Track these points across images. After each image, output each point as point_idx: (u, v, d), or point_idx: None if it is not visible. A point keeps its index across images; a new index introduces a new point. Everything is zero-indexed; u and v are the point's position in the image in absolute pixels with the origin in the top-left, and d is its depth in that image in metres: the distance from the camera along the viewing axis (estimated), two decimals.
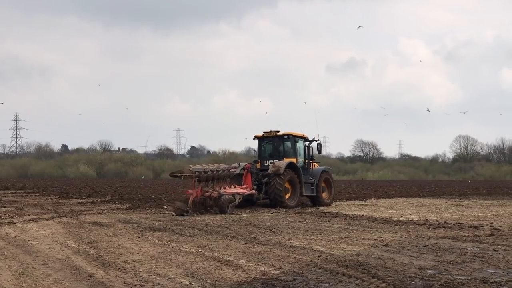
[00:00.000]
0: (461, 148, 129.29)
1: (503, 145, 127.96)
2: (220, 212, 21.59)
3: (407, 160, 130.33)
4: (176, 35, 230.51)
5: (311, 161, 28.50)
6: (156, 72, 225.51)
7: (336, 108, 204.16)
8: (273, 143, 28.18)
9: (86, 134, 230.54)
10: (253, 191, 25.17)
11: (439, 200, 32.04)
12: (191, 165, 23.25)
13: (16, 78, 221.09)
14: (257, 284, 8.74)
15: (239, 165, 26.14)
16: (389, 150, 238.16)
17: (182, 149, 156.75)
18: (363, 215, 20.94)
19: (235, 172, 25.25)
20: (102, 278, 9.27)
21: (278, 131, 27.76)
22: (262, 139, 28.39)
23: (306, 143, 28.52)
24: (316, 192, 27.56)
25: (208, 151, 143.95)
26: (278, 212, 22.77)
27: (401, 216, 20.50)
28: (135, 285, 8.77)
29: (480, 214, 21.50)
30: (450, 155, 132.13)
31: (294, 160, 26.83)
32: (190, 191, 22.17)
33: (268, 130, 28.06)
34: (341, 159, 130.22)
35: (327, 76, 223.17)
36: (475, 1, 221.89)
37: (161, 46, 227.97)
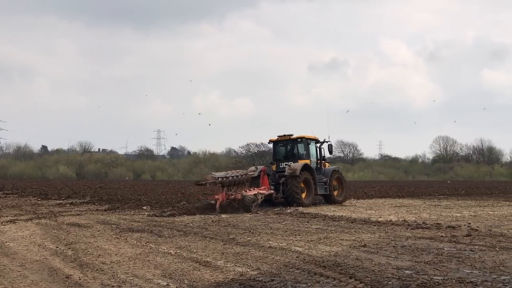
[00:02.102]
0: (440, 149, 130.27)
1: (482, 145, 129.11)
2: (246, 211, 23.10)
3: (387, 161, 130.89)
4: (157, 36, 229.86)
5: (322, 162, 30.27)
6: (136, 72, 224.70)
7: (317, 108, 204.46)
8: (287, 146, 29.94)
9: (66, 134, 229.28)
10: (272, 191, 26.80)
11: (418, 201, 32.18)
12: (213, 173, 25.48)
13: None
14: (235, 285, 8.75)
15: (256, 168, 27.80)
16: (370, 151, 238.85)
17: (162, 150, 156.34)
18: (342, 215, 21.01)
19: (253, 175, 26.53)
20: (80, 279, 9.24)
21: (291, 135, 29.51)
22: (277, 143, 30.20)
23: (318, 145, 30.20)
24: (329, 190, 29.16)
25: (189, 152, 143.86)
26: (257, 213, 22.81)
27: (380, 217, 20.57)
28: (113, 286, 8.75)
29: (458, 215, 21.63)
30: (430, 155, 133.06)
31: (307, 161, 28.45)
32: (216, 196, 23.84)
33: (282, 134, 29.80)
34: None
35: (309, 76, 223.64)
36: (456, 2, 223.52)
37: (142, 47, 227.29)
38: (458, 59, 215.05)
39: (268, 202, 26.49)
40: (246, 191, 24.88)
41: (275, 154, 30.32)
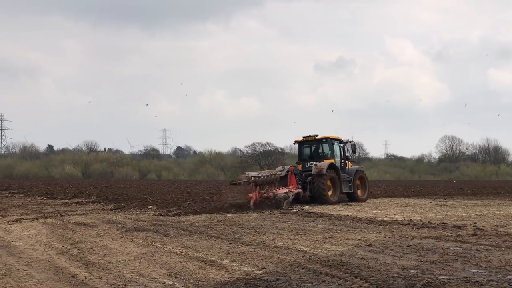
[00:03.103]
0: (446, 148, 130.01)
1: (488, 145, 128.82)
2: (277, 208, 24.34)
3: (393, 160, 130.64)
4: (163, 35, 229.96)
5: (346, 161, 31.29)
6: (142, 72, 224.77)
7: (323, 108, 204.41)
8: (312, 146, 30.98)
9: (72, 134, 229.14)
10: (299, 190, 27.89)
11: (424, 200, 32.13)
12: (246, 172, 27.04)
13: (1, 78, 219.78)
14: (240, 284, 8.76)
15: (284, 168, 28.75)
16: (375, 150, 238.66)
17: (168, 149, 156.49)
18: (347, 215, 20.98)
19: (281, 175, 27.47)
20: (86, 278, 9.26)
21: (316, 135, 30.46)
22: (302, 143, 31.17)
23: (341, 145, 31.27)
24: (353, 189, 30.28)
25: (195, 152, 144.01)
26: (262, 212, 22.83)
27: (386, 216, 20.54)
28: (118, 285, 8.77)
29: (464, 214, 21.58)
30: (436, 155, 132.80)
31: (332, 161, 29.42)
32: (250, 195, 24.85)
33: (307, 135, 30.73)
34: None
35: (316, 75, 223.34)
36: (462, 1, 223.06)
37: (147, 46, 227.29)
38: (465, 58, 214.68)
39: (295, 200, 27.19)
40: (277, 190, 25.94)
41: (300, 154, 31.21)
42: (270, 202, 24.93)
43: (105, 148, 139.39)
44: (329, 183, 28.38)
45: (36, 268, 10.21)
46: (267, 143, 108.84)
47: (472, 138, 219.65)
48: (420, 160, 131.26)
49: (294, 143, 31.99)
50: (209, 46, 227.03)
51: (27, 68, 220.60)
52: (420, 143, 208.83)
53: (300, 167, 30.13)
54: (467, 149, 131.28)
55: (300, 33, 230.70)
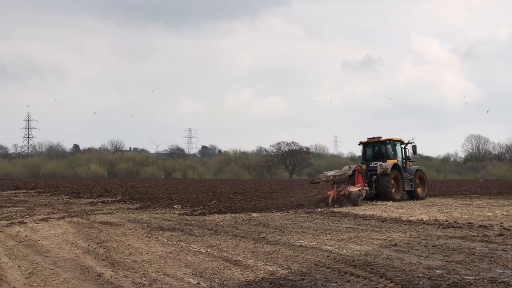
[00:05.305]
0: (473, 148, 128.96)
1: None
2: (353, 205, 26.04)
3: (418, 159, 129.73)
4: (189, 34, 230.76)
5: (407, 161, 33.51)
6: (168, 71, 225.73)
7: (349, 106, 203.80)
8: (375, 147, 33.08)
9: (98, 133, 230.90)
10: (367, 188, 29.56)
11: (450, 200, 31.91)
12: (324, 172, 29.06)
13: (28, 78, 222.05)
14: (265, 283, 8.77)
15: (350, 168, 30.47)
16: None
17: (193, 148, 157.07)
18: (372, 214, 20.90)
19: (349, 174, 29.23)
20: (111, 277, 9.33)
21: (380, 137, 32.79)
22: (366, 144, 33.35)
23: (403, 146, 33.45)
24: (414, 187, 32.61)
25: (220, 151, 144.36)
26: (287, 212, 22.80)
27: (411, 216, 20.42)
28: (144, 284, 8.82)
29: (490, 214, 21.37)
30: (462, 154, 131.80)
31: (395, 161, 31.69)
32: (328, 192, 26.99)
33: (372, 137, 33.03)
34: (353, 158, 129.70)
35: (343, 74, 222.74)
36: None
37: (173, 45, 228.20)
38: (493, 56, 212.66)
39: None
40: (350, 188, 27.79)
41: (364, 154, 33.22)
42: (346, 199, 26.56)
43: (130, 148, 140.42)
44: (393, 181, 30.53)
45: (63, 267, 10.31)
46: (292, 142, 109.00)
47: (498, 137, 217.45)
48: (446, 159, 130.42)
49: (358, 144, 33.67)
50: (235, 45, 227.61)
51: (53, 68, 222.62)
52: (446, 142, 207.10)
53: (364, 166, 31.97)
54: (493, 148, 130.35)
55: (327, 32, 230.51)
